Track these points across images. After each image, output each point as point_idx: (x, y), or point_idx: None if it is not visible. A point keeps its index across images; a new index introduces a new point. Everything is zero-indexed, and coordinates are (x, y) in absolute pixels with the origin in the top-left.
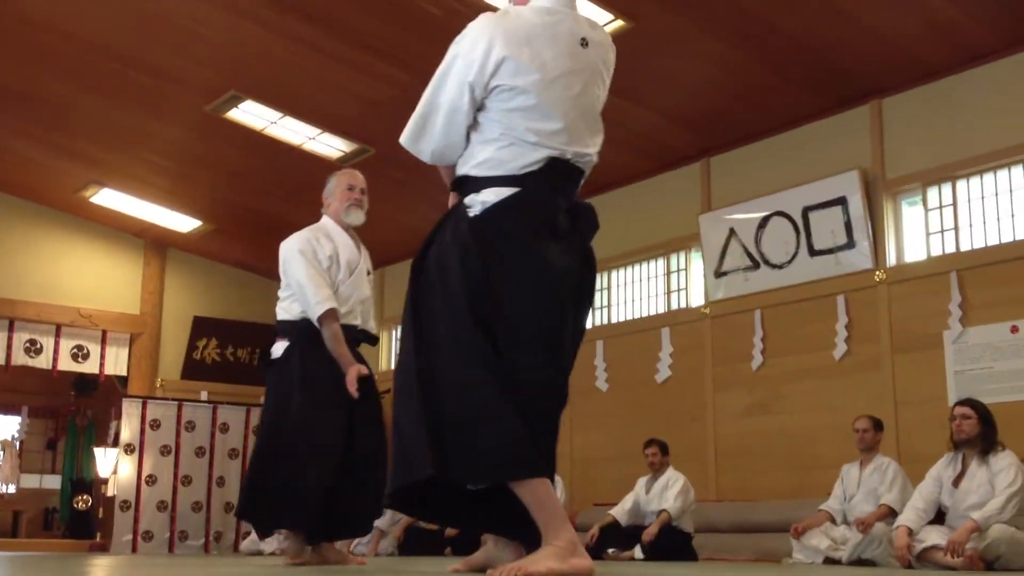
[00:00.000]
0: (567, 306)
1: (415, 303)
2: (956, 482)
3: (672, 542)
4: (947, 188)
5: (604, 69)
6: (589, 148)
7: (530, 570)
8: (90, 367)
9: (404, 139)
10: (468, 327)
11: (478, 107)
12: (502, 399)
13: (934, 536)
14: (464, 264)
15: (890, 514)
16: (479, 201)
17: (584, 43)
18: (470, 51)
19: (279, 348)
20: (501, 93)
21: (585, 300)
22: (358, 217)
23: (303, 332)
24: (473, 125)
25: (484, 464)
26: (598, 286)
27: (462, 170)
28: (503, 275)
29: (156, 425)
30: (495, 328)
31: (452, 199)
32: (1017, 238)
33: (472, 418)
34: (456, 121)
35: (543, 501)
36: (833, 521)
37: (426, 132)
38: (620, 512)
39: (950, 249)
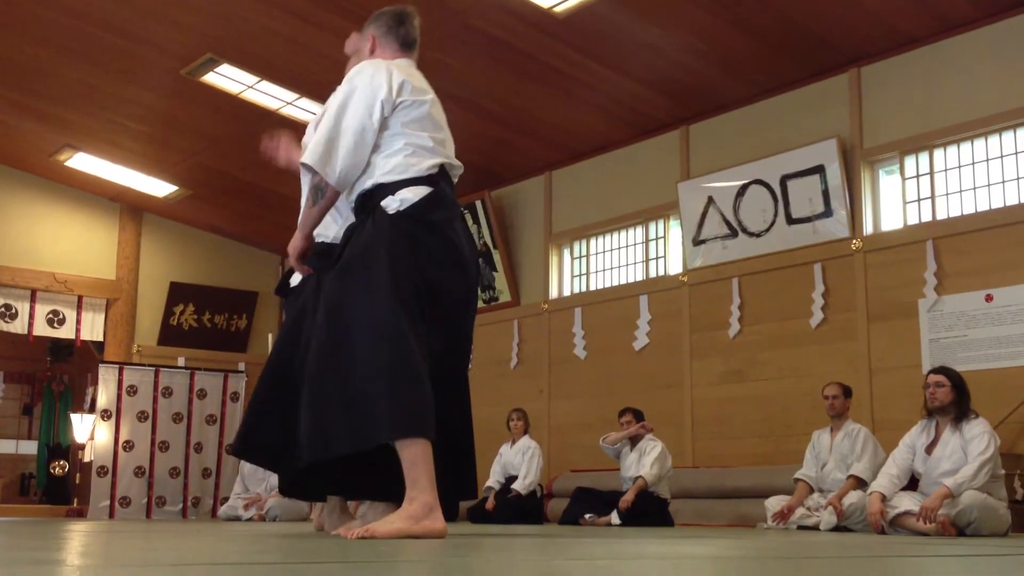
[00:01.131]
0: (474, 287)
1: (338, 296)
2: (929, 449)
3: (649, 508)
4: (924, 157)
5: None
6: (455, 159)
7: (378, 531)
8: (66, 332)
9: (312, 160)
10: (390, 309)
11: (382, 126)
12: (407, 368)
13: (907, 502)
14: (391, 253)
15: (858, 485)
16: (398, 200)
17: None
18: (372, 79)
19: (296, 277)
20: (404, 108)
21: (478, 287)
22: None
23: (321, 259)
24: (374, 147)
25: (375, 427)
26: (577, 253)
27: (368, 183)
28: (428, 260)
29: (133, 391)
30: (422, 307)
31: (349, 217)
32: (993, 207)
33: (376, 386)
34: (365, 140)
35: (415, 461)
36: (811, 490)
37: (335, 155)
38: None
39: (926, 218)
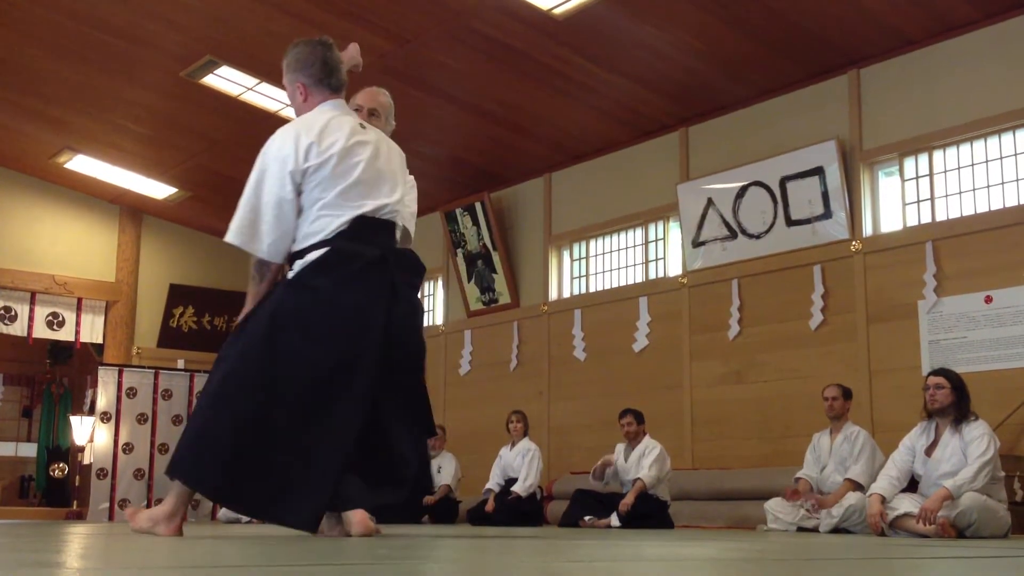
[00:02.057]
0: (376, 340)
1: (222, 352)
2: (929, 451)
3: (649, 510)
4: (923, 159)
5: (388, 147)
6: (388, 199)
7: (133, 524)
8: (65, 335)
9: (236, 240)
10: (249, 373)
11: (298, 192)
12: (212, 420)
13: (907, 504)
14: (275, 317)
15: (855, 489)
16: (299, 264)
17: (363, 126)
18: (280, 150)
19: None
20: (313, 173)
21: (404, 331)
22: None
23: None
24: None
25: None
26: (576, 255)
27: (292, 251)
28: (309, 322)
29: (132, 393)
30: (298, 370)
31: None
32: (992, 208)
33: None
34: (285, 211)
35: (175, 487)
36: (811, 488)
37: (258, 231)
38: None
39: (926, 219)
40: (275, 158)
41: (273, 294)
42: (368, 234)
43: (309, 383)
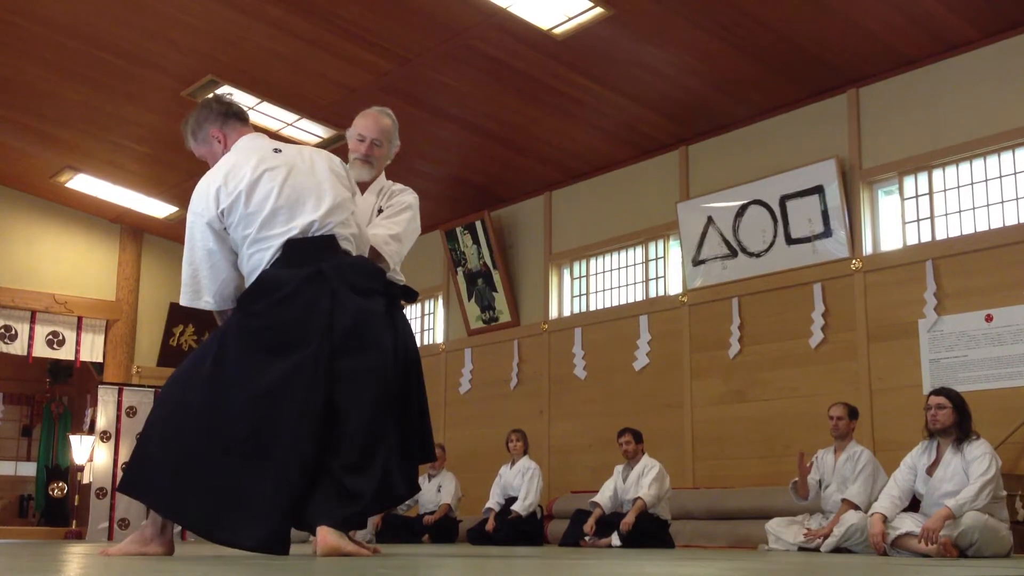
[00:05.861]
0: (318, 351)
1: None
2: (931, 470)
3: (649, 529)
4: (923, 177)
5: (310, 159)
6: (315, 215)
7: (109, 552)
8: (66, 354)
9: (186, 301)
10: (180, 390)
11: (223, 238)
12: (159, 437)
13: (908, 523)
14: (220, 339)
15: (852, 509)
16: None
17: (277, 150)
18: (196, 204)
19: None
20: (229, 215)
21: (354, 338)
22: (359, 174)
23: None
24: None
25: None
26: (577, 273)
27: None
28: (247, 341)
29: (132, 412)
30: (238, 388)
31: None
32: (992, 227)
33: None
34: (216, 262)
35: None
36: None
37: (200, 286)
38: (604, 499)
39: (926, 238)
40: (194, 212)
41: (224, 322)
42: (301, 257)
43: (252, 399)
